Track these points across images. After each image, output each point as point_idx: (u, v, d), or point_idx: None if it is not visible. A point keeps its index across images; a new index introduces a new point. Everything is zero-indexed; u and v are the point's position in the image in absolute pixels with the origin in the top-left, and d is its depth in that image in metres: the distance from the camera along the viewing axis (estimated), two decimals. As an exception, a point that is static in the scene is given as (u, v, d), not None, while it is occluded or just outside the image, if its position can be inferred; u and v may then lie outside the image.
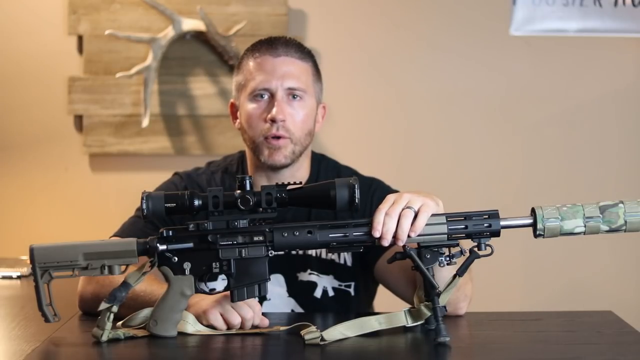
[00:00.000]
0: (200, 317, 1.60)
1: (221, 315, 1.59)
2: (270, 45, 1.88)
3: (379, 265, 1.88)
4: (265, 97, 1.86)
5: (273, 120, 1.84)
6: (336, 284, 1.91)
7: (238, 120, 1.94)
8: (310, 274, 1.90)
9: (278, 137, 1.85)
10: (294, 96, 1.86)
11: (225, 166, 2.01)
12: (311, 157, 1.98)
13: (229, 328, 1.60)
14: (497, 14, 3.06)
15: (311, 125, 1.90)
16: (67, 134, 3.06)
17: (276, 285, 1.89)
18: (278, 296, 1.89)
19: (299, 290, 1.91)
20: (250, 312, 1.60)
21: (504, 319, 1.74)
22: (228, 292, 1.57)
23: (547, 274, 3.14)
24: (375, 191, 1.94)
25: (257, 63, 1.87)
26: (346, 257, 1.91)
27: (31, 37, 3.04)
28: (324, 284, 1.90)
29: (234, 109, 1.96)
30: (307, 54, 1.91)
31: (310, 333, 1.52)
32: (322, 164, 1.99)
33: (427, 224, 1.52)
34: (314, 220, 1.85)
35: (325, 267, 1.90)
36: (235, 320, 1.59)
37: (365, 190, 1.91)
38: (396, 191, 1.95)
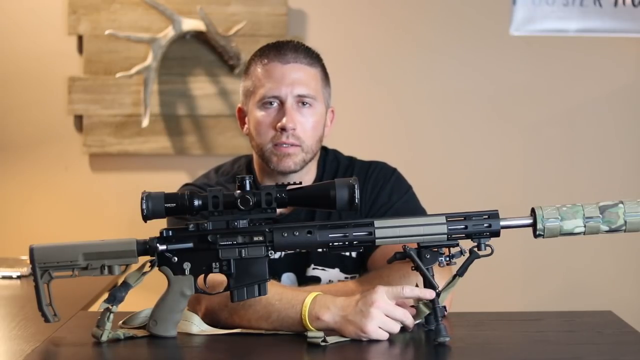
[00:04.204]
0: (361, 337, 1.54)
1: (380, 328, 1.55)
2: (278, 51, 1.86)
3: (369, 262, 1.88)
4: (275, 104, 1.84)
5: (283, 129, 1.82)
6: (342, 276, 1.90)
7: (246, 126, 1.92)
8: (313, 268, 1.90)
9: (287, 145, 1.83)
10: (303, 103, 1.85)
11: (234, 173, 1.96)
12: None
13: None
14: (497, 14, 3.07)
15: (321, 131, 1.89)
16: (67, 134, 3.06)
17: (288, 284, 1.88)
18: None
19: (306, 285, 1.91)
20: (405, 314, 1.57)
21: (504, 319, 1.74)
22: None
23: (547, 274, 3.14)
24: (372, 174, 1.95)
25: (265, 70, 1.85)
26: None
27: (31, 37, 3.04)
28: (330, 277, 1.90)
29: (242, 114, 1.93)
30: (315, 59, 1.89)
31: (313, 332, 1.53)
32: (326, 161, 1.98)
33: (427, 224, 1.53)
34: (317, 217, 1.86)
35: (331, 261, 1.91)
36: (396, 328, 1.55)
37: (363, 176, 1.93)
38: (394, 169, 1.97)
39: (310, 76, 1.86)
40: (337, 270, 1.91)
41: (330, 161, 1.98)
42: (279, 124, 1.82)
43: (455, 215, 1.54)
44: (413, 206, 1.92)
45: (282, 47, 1.86)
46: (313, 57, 1.89)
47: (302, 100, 1.84)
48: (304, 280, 1.89)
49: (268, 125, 1.84)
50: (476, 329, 1.64)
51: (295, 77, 1.84)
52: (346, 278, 1.90)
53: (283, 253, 1.87)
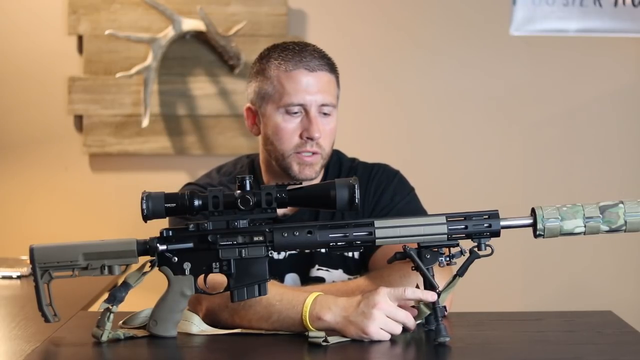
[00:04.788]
0: (362, 338, 1.54)
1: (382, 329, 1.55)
2: (301, 56, 1.83)
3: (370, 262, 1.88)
4: (298, 112, 1.83)
5: (310, 138, 1.82)
6: (345, 277, 1.90)
7: (257, 127, 1.90)
8: (318, 269, 1.90)
9: (310, 153, 1.83)
10: (325, 113, 1.84)
11: (237, 174, 1.94)
12: None
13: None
14: (497, 14, 3.07)
15: (335, 136, 1.89)
16: (67, 134, 3.06)
17: (291, 284, 1.88)
18: None
19: None
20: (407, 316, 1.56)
21: (504, 319, 1.74)
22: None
23: (547, 274, 3.14)
24: (375, 176, 1.95)
25: (289, 76, 1.82)
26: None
27: (31, 37, 3.04)
28: (334, 278, 1.89)
29: (252, 114, 1.91)
30: (332, 65, 1.88)
31: (315, 332, 1.54)
32: (329, 162, 1.97)
33: (427, 224, 1.53)
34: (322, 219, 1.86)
35: (335, 262, 1.90)
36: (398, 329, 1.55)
37: (366, 178, 1.93)
38: (397, 171, 1.98)
39: (331, 83, 1.86)
40: (340, 271, 1.90)
41: (333, 162, 1.98)
42: (307, 134, 1.82)
43: (455, 215, 1.54)
44: (415, 207, 1.92)
45: (305, 53, 1.84)
46: (331, 64, 1.88)
47: (324, 109, 1.84)
48: (307, 281, 1.89)
49: (292, 132, 1.83)
50: (476, 329, 1.64)
51: (320, 85, 1.83)
52: (349, 279, 1.89)
53: (287, 254, 1.87)
